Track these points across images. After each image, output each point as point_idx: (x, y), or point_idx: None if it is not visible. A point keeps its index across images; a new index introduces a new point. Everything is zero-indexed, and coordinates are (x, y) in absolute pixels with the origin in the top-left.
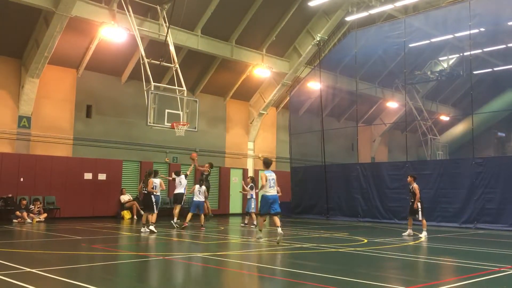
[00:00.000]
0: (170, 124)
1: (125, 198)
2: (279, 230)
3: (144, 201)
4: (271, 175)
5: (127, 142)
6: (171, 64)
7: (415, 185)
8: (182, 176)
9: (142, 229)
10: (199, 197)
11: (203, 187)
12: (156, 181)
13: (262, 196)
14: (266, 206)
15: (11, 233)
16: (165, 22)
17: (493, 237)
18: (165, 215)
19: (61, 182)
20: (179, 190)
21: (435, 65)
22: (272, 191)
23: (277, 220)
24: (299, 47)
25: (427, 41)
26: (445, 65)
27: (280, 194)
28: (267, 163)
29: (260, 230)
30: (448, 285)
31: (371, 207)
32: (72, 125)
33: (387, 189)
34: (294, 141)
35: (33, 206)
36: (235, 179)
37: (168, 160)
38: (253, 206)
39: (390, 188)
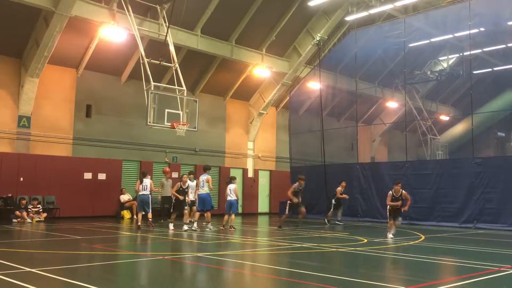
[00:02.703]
0: (170, 124)
1: (125, 198)
2: (209, 225)
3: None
4: (202, 178)
5: (127, 142)
6: (171, 64)
7: (404, 192)
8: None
9: (186, 226)
10: (231, 196)
11: (233, 185)
12: (147, 182)
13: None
14: (199, 203)
15: (11, 232)
16: (165, 22)
17: (492, 237)
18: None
19: (61, 182)
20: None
21: (435, 65)
22: (201, 190)
23: (207, 215)
24: (299, 47)
25: (427, 41)
26: (445, 65)
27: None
28: (205, 168)
29: (192, 221)
30: (448, 285)
31: (371, 207)
32: (72, 124)
33: (387, 189)
34: (294, 141)
35: (31, 206)
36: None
37: (168, 160)
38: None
39: (390, 188)
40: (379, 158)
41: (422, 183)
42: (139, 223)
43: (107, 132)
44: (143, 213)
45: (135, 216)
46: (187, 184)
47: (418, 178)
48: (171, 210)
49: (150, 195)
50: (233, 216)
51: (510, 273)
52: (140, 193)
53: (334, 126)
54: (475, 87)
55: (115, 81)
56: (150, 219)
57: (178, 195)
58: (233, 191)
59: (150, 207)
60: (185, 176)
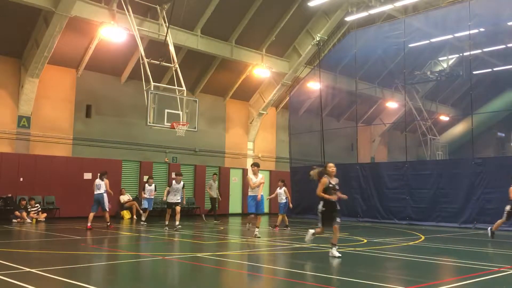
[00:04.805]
0: (169, 124)
1: (124, 198)
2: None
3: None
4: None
5: (126, 142)
6: (171, 64)
7: None
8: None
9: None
10: (282, 199)
11: (283, 189)
12: (100, 181)
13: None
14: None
15: (11, 233)
16: (165, 22)
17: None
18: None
19: (61, 182)
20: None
21: (435, 65)
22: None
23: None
24: (298, 47)
25: (427, 41)
26: (444, 65)
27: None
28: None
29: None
30: (448, 285)
31: (371, 207)
32: (71, 125)
33: (387, 189)
34: (293, 141)
35: (29, 206)
36: (235, 179)
37: (167, 160)
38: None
39: (389, 188)
40: (379, 158)
41: (422, 183)
42: (89, 224)
43: (106, 132)
44: (94, 213)
45: (134, 216)
46: (336, 180)
47: (418, 178)
48: (320, 222)
49: (104, 194)
50: (280, 217)
51: (510, 273)
52: (95, 192)
53: (334, 126)
54: (475, 87)
55: (115, 81)
56: (108, 222)
57: (328, 196)
58: (283, 194)
59: (107, 206)
60: (331, 165)
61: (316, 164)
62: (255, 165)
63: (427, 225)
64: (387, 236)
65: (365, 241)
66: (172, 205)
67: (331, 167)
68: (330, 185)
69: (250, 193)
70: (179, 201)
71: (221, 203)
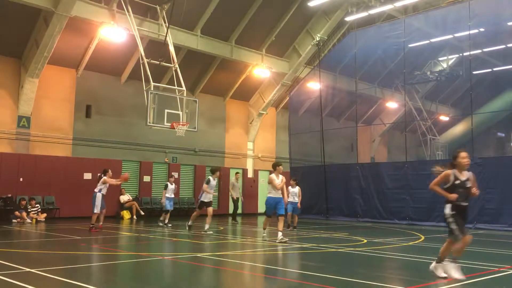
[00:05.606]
0: (169, 124)
1: (124, 198)
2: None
3: None
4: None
5: (126, 142)
6: (171, 64)
7: None
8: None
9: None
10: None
11: (297, 188)
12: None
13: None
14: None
15: (11, 233)
16: (165, 22)
17: (492, 237)
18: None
19: (61, 182)
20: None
21: (435, 65)
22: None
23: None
24: (298, 47)
25: (427, 41)
26: (444, 65)
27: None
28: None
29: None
30: (448, 285)
31: (371, 207)
32: (71, 125)
33: (387, 189)
34: (293, 141)
35: (29, 206)
36: None
37: (167, 160)
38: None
39: (389, 188)
40: (378, 159)
41: (422, 183)
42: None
43: (106, 132)
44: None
45: (134, 217)
46: (468, 174)
47: (418, 178)
48: (458, 231)
49: (97, 194)
50: (296, 217)
51: (510, 273)
52: None
53: (334, 126)
54: (475, 87)
55: (115, 81)
56: (92, 224)
57: (444, 193)
58: (295, 193)
59: (95, 207)
60: (463, 155)
61: (317, 164)
62: (281, 164)
63: (427, 225)
64: (387, 236)
65: (365, 241)
66: (209, 205)
67: (464, 158)
68: (457, 182)
69: (271, 195)
70: (211, 200)
71: (222, 203)
